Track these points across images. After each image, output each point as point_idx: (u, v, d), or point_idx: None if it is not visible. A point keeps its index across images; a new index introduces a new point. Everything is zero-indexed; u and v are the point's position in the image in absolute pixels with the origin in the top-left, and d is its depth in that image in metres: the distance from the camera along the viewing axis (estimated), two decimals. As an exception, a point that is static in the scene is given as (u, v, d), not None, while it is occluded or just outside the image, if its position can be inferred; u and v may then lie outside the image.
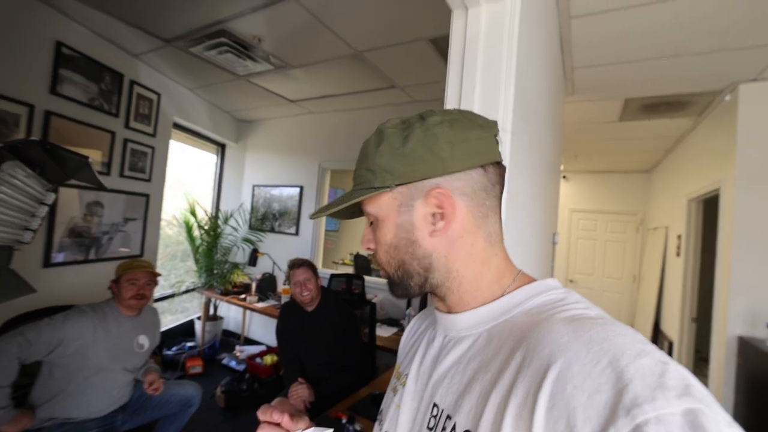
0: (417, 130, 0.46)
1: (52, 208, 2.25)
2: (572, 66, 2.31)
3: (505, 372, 0.38)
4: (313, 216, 0.54)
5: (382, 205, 0.49)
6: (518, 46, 0.85)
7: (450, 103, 0.85)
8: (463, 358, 0.45)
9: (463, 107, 0.83)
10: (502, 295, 0.46)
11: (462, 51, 0.83)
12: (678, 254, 3.42)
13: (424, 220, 0.47)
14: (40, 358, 1.49)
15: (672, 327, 3.51)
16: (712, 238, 2.78)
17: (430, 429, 0.45)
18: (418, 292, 0.50)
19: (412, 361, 0.54)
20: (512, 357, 0.39)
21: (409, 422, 0.49)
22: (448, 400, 0.44)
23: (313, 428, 0.53)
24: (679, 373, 0.30)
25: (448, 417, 0.42)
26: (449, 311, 0.49)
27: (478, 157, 0.45)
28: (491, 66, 0.81)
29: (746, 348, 2.18)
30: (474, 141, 0.45)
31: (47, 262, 2.32)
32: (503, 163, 0.49)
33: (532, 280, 0.47)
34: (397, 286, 0.50)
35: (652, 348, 0.33)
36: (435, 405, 0.45)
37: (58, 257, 2.39)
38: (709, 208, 3.10)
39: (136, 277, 1.70)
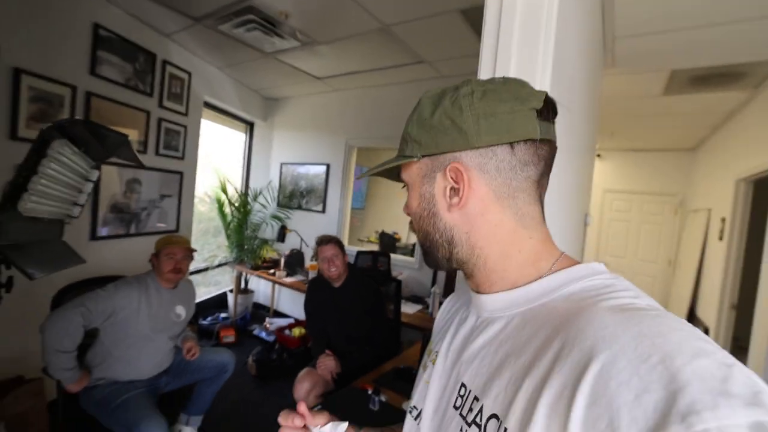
0: (446, 100, 0.45)
1: (96, 185, 2.38)
2: (613, 35, 2.16)
3: (541, 360, 0.36)
4: (360, 177, 0.57)
5: (411, 173, 0.50)
6: (558, 16, 0.80)
7: (482, 77, 0.82)
8: (495, 341, 0.44)
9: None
10: (539, 278, 0.43)
11: (497, 22, 0.79)
12: (721, 238, 3.23)
13: (442, 193, 0.46)
14: (97, 326, 1.63)
15: (709, 313, 3.36)
16: (759, 221, 2.61)
17: (457, 408, 0.44)
18: (447, 266, 0.49)
19: (443, 338, 0.54)
20: (549, 345, 0.36)
21: (436, 399, 0.50)
22: (477, 382, 0.43)
23: (330, 424, 0.55)
24: (747, 378, 0.26)
25: (476, 398, 0.42)
26: (479, 290, 0.49)
27: (506, 133, 0.42)
28: (528, 38, 0.77)
29: (791, 337, 2.07)
30: (503, 115, 0.42)
31: (93, 236, 2.48)
32: (545, 139, 0.44)
33: (575, 263, 0.44)
34: (427, 255, 0.51)
35: (714, 347, 0.29)
36: (463, 385, 0.45)
37: (103, 231, 2.54)
38: (760, 189, 2.89)
39: (174, 251, 1.79)
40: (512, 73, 0.77)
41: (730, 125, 3.37)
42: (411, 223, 0.53)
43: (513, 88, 0.44)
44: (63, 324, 1.51)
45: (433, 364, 0.53)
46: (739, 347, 3.15)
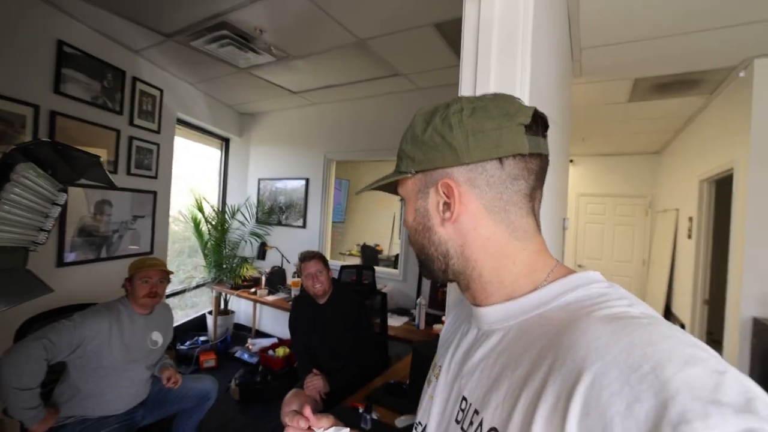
0: (437, 118, 0.46)
1: (63, 208, 2.27)
2: (580, 47, 2.26)
3: (537, 372, 0.36)
4: (359, 192, 0.59)
5: (407, 189, 0.51)
6: (533, 29, 0.83)
7: (464, 92, 0.83)
8: (493, 353, 0.44)
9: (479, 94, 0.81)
10: (535, 289, 0.44)
11: (476, 36, 0.80)
12: (689, 236, 3.38)
13: (435, 208, 0.47)
14: (63, 359, 1.51)
15: (683, 309, 3.49)
16: (725, 219, 2.74)
17: (458, 422, 0.45)
18: (443, 277, 0.50)
19: (446, 353, 0.54)
20: (544, 356, 0.36)
21: (439, 414, 0.50)
22: (477, 394, 0.43)
23: (333, 428, 0.58)
24: (739, 384, 0.26)
25: (476, 412, 0.42)
26: (476, 303, 0.49)
27: (494, 149, 0.43)
28: (506, 52, 0.78)
29: (760, 329, 2.16)
30: (491, 131, 0.43)
31: (60, 262, 2.34)
32: (534, 153, 0.45)
33: (570, 272, 0.45)
34: (423, 267, 0.52)
35: (707, 354, 0.29)
36: (464, 398, 0.45)
37: (71, 256, 2.41)
38: (722, 188, 3.05)
39: (149, 275, 1.71)
40: (492, 87, 0.79)
41: (691, 129, 3.56)
42: (409, 238, 0.55)
43: (502, 104, 0.45)
44: (22, 359, 1.38)
45: (437, 378, 0.53)
46: (712, 340, 3.27)
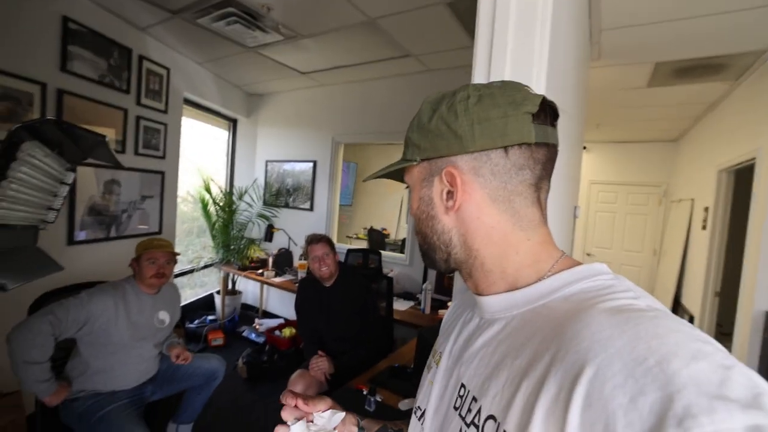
0: (443, 105, 0.46)
1: (72, 187, 2.28)
2: (600, 28, 2.16)
3: (538, 362, 0.36)
4: (366, 179, 0.59)
5: (413, 176, 0.51)
6: (553, 8, 0.78)
7: (478, 76, 0.79)
8: (494, 341, 0.44)
9: (493, 79, 0.77)
10: (539, 280, 0.43)
11: (492, 19, 0.76)
12: (704, 227, 3.30)
13: (439, 197, 0.47)
14: (71, 336, 1.54)
15: (693, 301, 3.45)
16: (741, 210, 2.66)
17: (456, 409, 0.45)
18: (445, 266, 0.50)
19: (448, 339, 0.54)
20: (546, 347, 0.36)
21: (437, 400, 0.50)
22: (475, 382, 0.43)
23: (329, 411, 0.58)
24: (747, 380, 0.26)
25: (474, 399, 0.42)
26: (478, 292, 0.49)
27: (499, 138, 0.42)
28: (524, 35, 0.73)
29: (773, 323, 2.12)
30: (497, 120, 0.42)
31: (71, 240, 2.37)
32: (541, 143, 0.44)
33: (576, 264, 0.44)
34: (425, 256, 0.52)
35: (714, 348, 0.29)
36: (463, 385, 0.45)
37: (81, 235, 2.44)
38: (740, 179, 2.96)
39: (156, 256, 1.72)
40: (508, 72, 0.75)
41: (712, 116, 3.43)
42: (414, 226, 0.55)
43: (509, 92, 0.44)
44: (29, 335, 1.41)
45: (437, 364, 0.54)
46: (721, 333, 3.24)
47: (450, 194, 0.46)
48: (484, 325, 0.48)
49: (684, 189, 4.13)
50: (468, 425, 0.41)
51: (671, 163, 4.68)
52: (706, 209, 3.27)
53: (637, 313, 0.33)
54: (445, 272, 0.52)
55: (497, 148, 0.43)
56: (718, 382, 0.26)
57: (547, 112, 0.44)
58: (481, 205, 0.45)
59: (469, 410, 0.42)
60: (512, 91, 0.44)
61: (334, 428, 0.58)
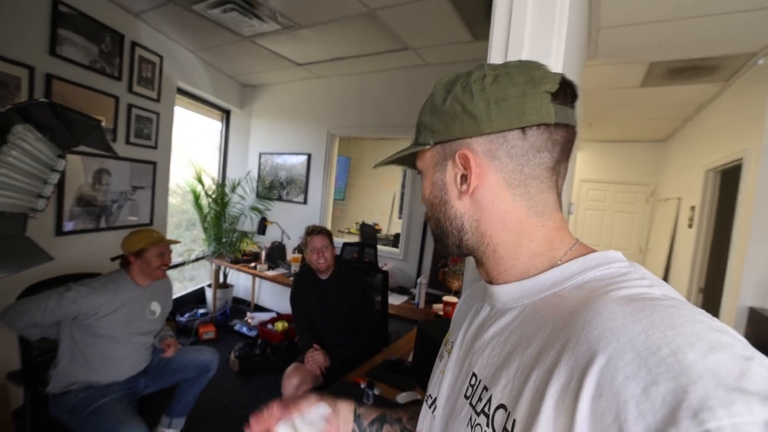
0: (457, 86, 0.44)
1: (62, 176, 2.22)
2: (598, 26, 2.18)
3: (549, 351, 0.35)
4: (376, 166, 0.57)
5: (425, 161, 0.50)
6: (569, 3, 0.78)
7: (494, 57, 0.78)
8: (505, 330, 0.43)
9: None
10: (552, 267, 0.42)
11: (509, 5, 0.75)
12: (690, 225, 3.38)
13: (453, 181, 0.46)
14: (63, 324, 1.54)
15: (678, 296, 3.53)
16: (726, 209, 2.73)
17: (467, 398, 0.44)
18: (457, 252, 0.49)
19: (459, 329, 0.54)
20: (557, 335, 0.35)
21: (449, 388, 0.50)
22: (486, 372, 0.43)
23: (313, 408, 0.58)
24: (767, 371, 0.25)
25: (485, 388, 0.41)
26: (490, 280, 0.48)
27: (517, 118, 0.40)
28: (542, 26, 0.74)
29: (756, 318, 2.19)
30: (514, 99, 0.40)
31: (59, 231, 2.31)
32: (561, 124, 0.42)
33: (590, 251, 0.43)
34: (438, 241, 0.51)
35: (732, 338, 0.28)
36: (474, 374, 0.45)
37: (69, 225, 2.38)
38: (727, 179, 3.03)
39: (164, 249, 1.75)
40: (525, 54, 0.74)
41: (701, 117, 3.51)
42: (426, 213, 0.53)
43: (527, 70, 0.42)
44: (24, 307, 1.47)
45: (449, 354, 0.53)
46: (705, 328, 3.33)
47: (464, 178, 0.44)
48: (495, 315, 0.47)
49: (671, 188, 4.22)
50: (478, 414, 0.40)
51: (659, 163, 4.78)
52: (693, 208, 3.35)
53: (652, 301, 0.32)
54: (458, 256, 0.52)
55: (514, 129, 0.41)
56: (738, 373, 0.25)
57: (566, 92, 0.42)
58: (495, 189, 0.43)
59: (480, 399, 0.41)
60: (531, 69, 0.42)
61: (325, 419, 0.58)
